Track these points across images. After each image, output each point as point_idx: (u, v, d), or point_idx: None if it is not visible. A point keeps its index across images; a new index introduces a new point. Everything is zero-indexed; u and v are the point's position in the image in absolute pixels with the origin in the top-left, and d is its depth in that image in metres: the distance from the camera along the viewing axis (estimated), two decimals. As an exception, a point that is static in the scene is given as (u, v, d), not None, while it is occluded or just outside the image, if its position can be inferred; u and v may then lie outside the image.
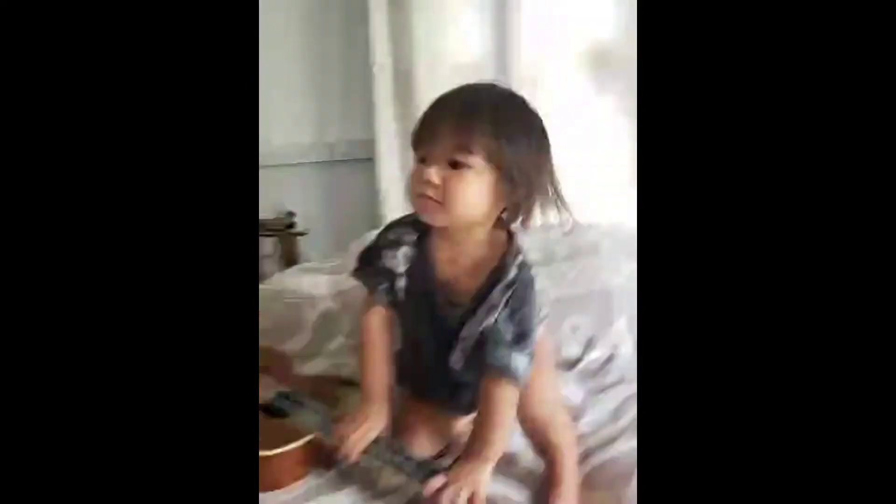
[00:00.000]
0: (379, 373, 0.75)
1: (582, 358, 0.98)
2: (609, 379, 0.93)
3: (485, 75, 1.28)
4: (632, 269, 1.01)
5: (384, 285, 0.74)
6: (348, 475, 0.73)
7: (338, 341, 1.02)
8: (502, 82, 0.72)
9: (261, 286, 1.24)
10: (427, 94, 1.32)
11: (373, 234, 1.26)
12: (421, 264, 0.73)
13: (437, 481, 0.66)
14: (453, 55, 1.35)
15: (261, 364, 0.90)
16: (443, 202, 0.64)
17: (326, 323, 1.07)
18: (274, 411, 0.80)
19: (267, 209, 1.62)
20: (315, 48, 1.50)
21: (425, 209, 0.67)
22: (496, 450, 0.69)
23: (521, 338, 0.68)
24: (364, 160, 1.50)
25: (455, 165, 0.64)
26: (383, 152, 1.39)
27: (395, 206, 1.41)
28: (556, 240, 1.07)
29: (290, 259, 1.60)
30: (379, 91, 1.35)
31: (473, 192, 0.65)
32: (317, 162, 1.58)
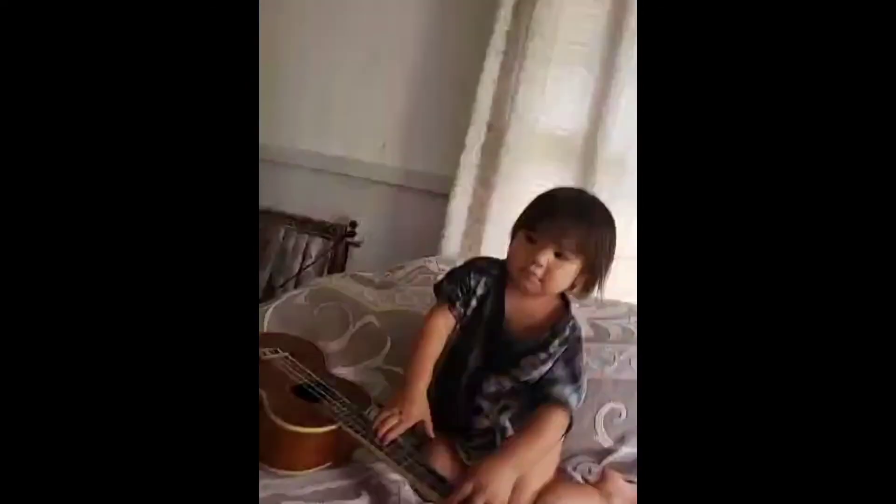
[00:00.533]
0: (426, 371, 0.84)
1: (614, 450, 0.96)
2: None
3: (572, 148, 1.39)
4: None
5: (461, 298, 0.88)
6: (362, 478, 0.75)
7: (374, 361, 1.04)
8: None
9: (309, 284, 1.29)
10: (513, 154, 1.41)
11: (428, 260, 1.33)
12: (495, 296, 0.88)
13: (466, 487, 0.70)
14: (546, 126, 1.42)
15: (297, 352, 0.94)
16: (543, 282, 0.82)
17: (367, 337, 1.09)
18: (305, 394, 0.83)
19: (330, 214, 1.71)
20: (427, 80, 1.60)
21: (528, 282, 0.84)
22: (526, 462, 0.77)
23: (575, 378, 0.84)
24: (437, 195, 1.57)
25: (559, 255, 0.82)
26: (458, 192, 1.45)
27: (454, 241, 1.46)
28: (607, 317, 1.09)
29: (336, 267, 1.66)
30: (472, 139, 1.43)
31: (566, 278, 0.84)
32: (393, 184, 1.66)
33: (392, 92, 1.64)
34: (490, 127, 1.43)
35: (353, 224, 1.68)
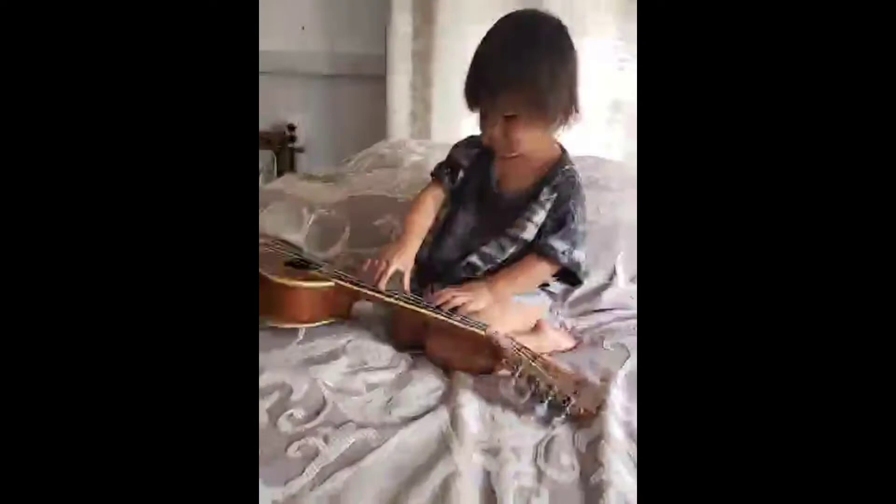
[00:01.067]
0: (418, 228, 0.87)
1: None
2: (598, 306, 0.95)
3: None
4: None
5: (447, 171, 0.89)
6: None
7: (336, 248, 1.02)
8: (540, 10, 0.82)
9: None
10: (447, 13, 1.29)
11: (378, 145, 1.28)
12: (483, 162, 0.88)
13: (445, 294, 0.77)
14: None
15: (269, 245, 0.92)
16: (510, 146, 0.80)
17: (324, 227, 1.06)
18: (300, 265, 0.86)
19: (264, 120, 1.59)
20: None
21: (498, 149, 0.83)
22: (502, 296, 0.80)
23: (560, 225, 0.82)
24: (372, 77, 1.47)
25: (508, 118, 0.78)
26: (395, 70, 1.36)
27: (402, 126, 1.39)
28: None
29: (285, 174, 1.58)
30: (396, 5, 1.31)
31: (529, 133, 0.79)
32: (321, 74, 1.54)
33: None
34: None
35: (291, 127, 1.57)
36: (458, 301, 0.77)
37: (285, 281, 0.78)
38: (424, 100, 1.39)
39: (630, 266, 0.98)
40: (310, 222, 1.07)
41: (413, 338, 0.83)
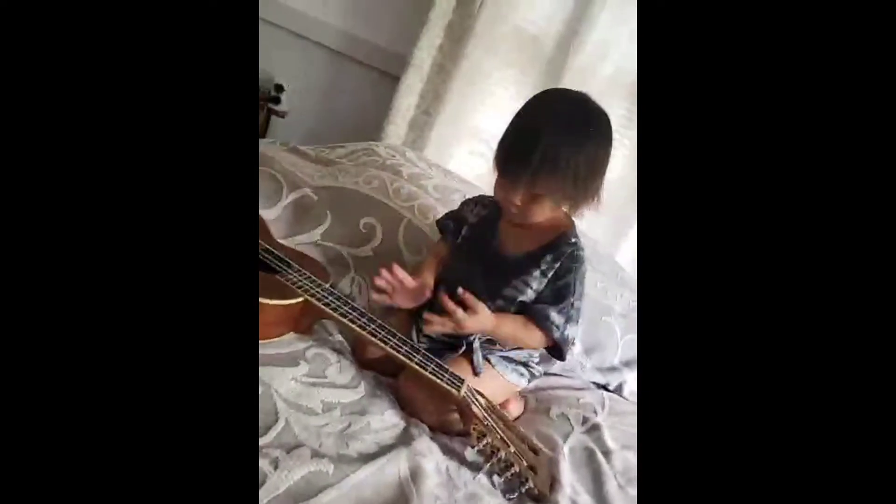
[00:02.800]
0: (430, 268, 0.85)
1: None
2: (550, 369, 0.95)
3: (541, 50, 1.29)
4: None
5: (451, 227, 0.89)
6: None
7: (311, 235, 0.93)
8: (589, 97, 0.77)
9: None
10: (480, 42, 1.28)
11: (375, 143, 1.20)
12: (489, 222, 0.85)
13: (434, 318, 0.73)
14: (520, 19, 1.31)
15: None
16: (523, 215, 0.77)
17: (303, 209, 0.97)
18: (262, 265, 0.75)
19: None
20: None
21: (509, 214, 0.80)
22: (499, 331, 0.77)
23: (559, 298, 0.79)
24: (382, 73, 1.40)
25: (535, 195, 0.75)
26: (412, 74, 1.31)
27: (398, 130, 1.33)
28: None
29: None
30: (438, 14, 1.27)
31: (546, 210, 0.77)
32: (329, 48, 1.44)
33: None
34: (459, 4, 1.28)
35: (279, 88, 1.44)
36: (459, 316, 0.71)
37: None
38: (429, 114, 1.35)
39: (587, 339, 1.00)
40: (288, 200, 0.96)
41: (377, 360, 0.77)
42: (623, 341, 1.03)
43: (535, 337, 0.78)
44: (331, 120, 1.47)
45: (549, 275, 0.79)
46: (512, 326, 0.78)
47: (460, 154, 1.38)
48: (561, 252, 0.79)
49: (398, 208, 0.99)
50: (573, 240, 0.81)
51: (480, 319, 0.72)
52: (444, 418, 0.72)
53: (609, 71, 1.28)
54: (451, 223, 0.89)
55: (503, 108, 1.30)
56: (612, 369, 1.02)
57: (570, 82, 1.26)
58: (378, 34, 1.41)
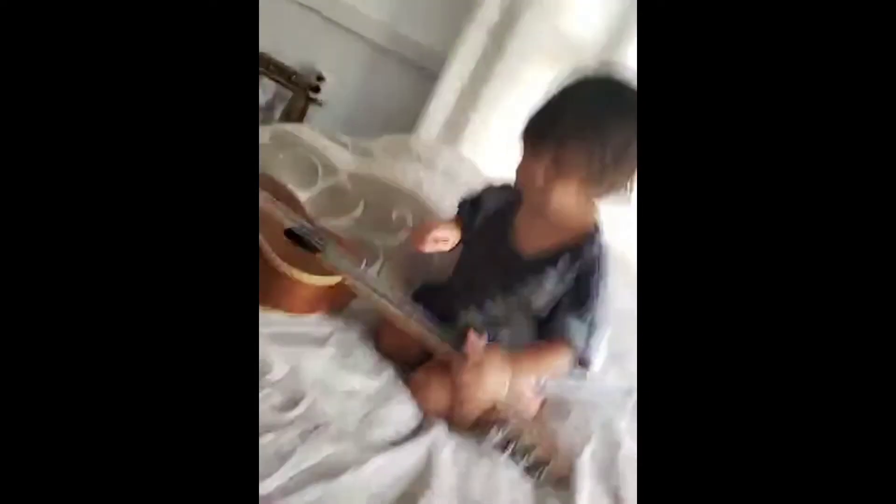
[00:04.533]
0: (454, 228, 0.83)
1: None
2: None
3: (587, 54, 1.28)
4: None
5: (468, 207, 0.85)
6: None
7: (343, 221, 0.94)
8: (616, 69, 0.73)
9: (278, 125, 1.11)
10: (522, 47, 1.28)
11: (410, 136, 1.21)
12: (508, 211, 0.81)
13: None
14: (564, 28, 1.31)
15: (277, 193, 0.82)
16: (544, 202, 0.71)
17: (337, 195, 0.98)
18: (301, 240, 0.76)
19: (296, 61, 1.46)
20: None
21: (530, 199, 0.75)
22: (520, 371, 0.71)
23: (580, 303, 0.73)
24: (422, 69, 1.40)
25: (559, 170, 0.69)
26: (452, 73, 1.31)
27: (434, 126, 1.33)
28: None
29: (292, 121, 1.46)
30: (480, 21, 1.27)
31: (572, 196, 0.71)
32: (372, 42, 1.45)
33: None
34: (504, 6, 1.28)
35: (320, 78, 1.46)
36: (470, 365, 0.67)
37: (288, 272, 0.69)
38: (466, 113, 1.35)
39: (613, 344, 0.98)
40: (324, 184, 0.97)
41: (398, 350, 0.76)
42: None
43: (560, 355, 0.73)
44: (367, 111, 1.48)
45: (568, 277, 0.73)
46: (535, 363, 0.73)
47: (494, 155, 1.39)
48: (584, 255, 0.73)
49: (430, 202, 1.00)
50: (598, 241, 0.75)
51: (492, 377, 0.66)
52: (460, 411, 0.71)
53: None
54: (468, 205, 0.85)
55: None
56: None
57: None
58: (420, 30, 1.42)
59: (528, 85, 1.32)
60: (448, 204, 1.01)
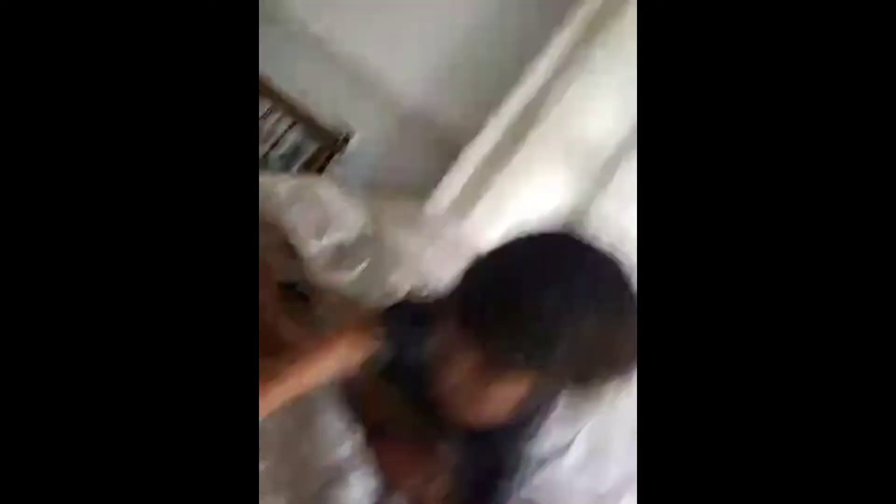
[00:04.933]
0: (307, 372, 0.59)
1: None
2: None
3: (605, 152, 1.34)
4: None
5: (400, 320, 0.61)
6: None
7: (347, 277, 0.96)
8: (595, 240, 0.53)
9: (284, 176, 1.16)
10: (541, 142, 1.35)
11: (422, 203, 1.25)
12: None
13: None
14: (581, 126, 1.38)
15: (272, 251, 0.85)
16: (466, 402, 0.53)
17: (342, 252, 1.00)
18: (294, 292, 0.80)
19: (326, 114, 1.55)
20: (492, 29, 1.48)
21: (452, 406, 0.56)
22: None
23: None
24: (445, 141, 1.47)
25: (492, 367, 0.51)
26: (474, 151, 1.37)
27: (446, 198, 1.38)
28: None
29: (313, 170, 1.52)
30: (513, 102, 1.35)
31: (504, 403, 0.53)
32: (406, 111, 1.53)
33: (444, 19, 1.49)
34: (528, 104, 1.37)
35: (348, 138, 1.53)
36: None
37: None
38: (478, 192, 1.40)
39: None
40: (331, 239, 1.00)
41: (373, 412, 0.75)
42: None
43: None
44: (386, 172, 1.54)
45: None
46: None
47: (496, 236, 1.42)
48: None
49: (428, 271, 1.02)
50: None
51: None
52: (425, 486, 0.65)
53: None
54: (405, 314, 0.62)
55: (547, 205, 1.35)
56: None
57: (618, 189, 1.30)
58: (449, 105, 1.50)
59: (542, 179, 1.39)
60: (447, 274, 1.03)
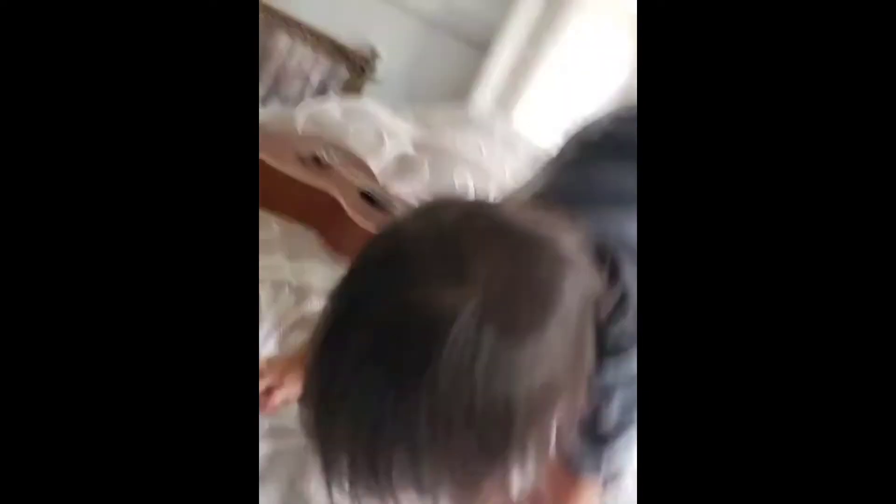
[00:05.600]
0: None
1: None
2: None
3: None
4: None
5: None
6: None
7: (413, 184, 0.99)
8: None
9: (333, 102, 1.17)
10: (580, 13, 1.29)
11: (466, 110, 1.25)
12: None
13: None
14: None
15: (352, 162, 0.89)
16: None
17: (404, 163, 1.03)
18: (372, 201, 0.83)
19: (349, 38, 1.52)
20: None
21: None
22: None
23: None
24: (473, 41, 1.43)
25: None
26: (504, 46, 1.34)
27: (486, 97, 1.37)
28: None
29: (349, 94, 1.52)
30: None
31: None
32: (429, 18, 1.48)
33: None
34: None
35: (375, 55, 1.51)
36: None
37: (363, 223, 0.77)
38: (517, 85, 1.38)
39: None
40: (390, 153, 1.03)
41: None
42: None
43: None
44: (422, 84, 1.53)
45: None
46: None
47: (545, 129, 1.41)
48: None
49: (488, 167, 1.04)
50: None
51: None
52: None
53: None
54: None
55: (597, 84, 1.31)
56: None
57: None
58: (478, 8, 1.44)
59: (586, 53, 1.33)
60: (507, 172, 1.05)
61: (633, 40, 1.27)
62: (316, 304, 0.67)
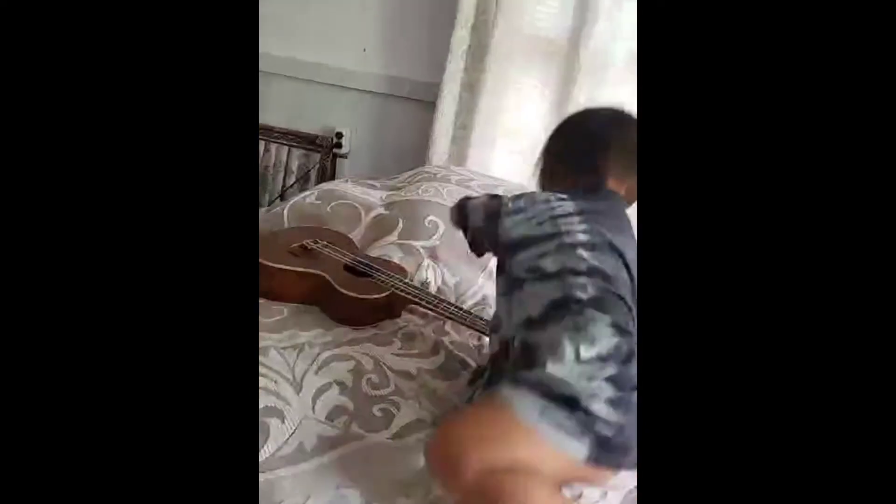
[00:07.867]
0: None
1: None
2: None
3: (556, 49, 1.44)
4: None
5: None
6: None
7: (389, 238, 1.14)
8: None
9: (310, 190, 1.35)
10: (499, 55, 1.45)
11: (424, 167, 1.41)
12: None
13: None
14: (528, 27, 1.47)
15: (328, 241, 1.04)
16: None
17: (380, 224, 1.18)
18: (354, 271, 0.97)
19: (318, 125, 1.72)
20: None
21: None
22: None
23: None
24: (423, 102, 1.61)
25: None
26: (444, 100, 1.50)
27: (441, 149, 1.53)
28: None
29: (326, 177, 1.70)
30: (456, 47, 1.46)
31: None
32: (378, 93, 1.68)
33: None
34: (474, 27, 1.47)
35: (339, 135, 1.70)
36: None
37: (350, 293, 0.89)
38: (465, 128, 1.54)
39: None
40: (367, 220, 1.19)
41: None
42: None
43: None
44: (384, 152, 1.71)
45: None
46: None
47: (500, 157, 1.56)
48: None
49: (450, 204, 1.19)
50: None
51: None
52: None
53: (622, 54, 1.42)
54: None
55: (532, 107, 1.47)
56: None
57: (587, 70, 1.40)
58: (413, 69, 1.63)
59: (517, 84, 1.49)
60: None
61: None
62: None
